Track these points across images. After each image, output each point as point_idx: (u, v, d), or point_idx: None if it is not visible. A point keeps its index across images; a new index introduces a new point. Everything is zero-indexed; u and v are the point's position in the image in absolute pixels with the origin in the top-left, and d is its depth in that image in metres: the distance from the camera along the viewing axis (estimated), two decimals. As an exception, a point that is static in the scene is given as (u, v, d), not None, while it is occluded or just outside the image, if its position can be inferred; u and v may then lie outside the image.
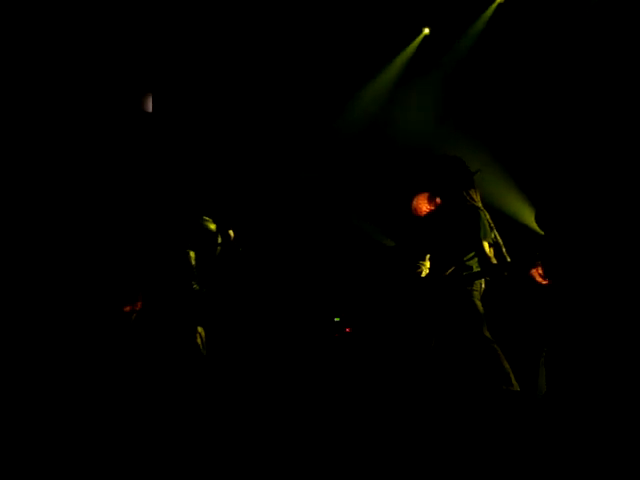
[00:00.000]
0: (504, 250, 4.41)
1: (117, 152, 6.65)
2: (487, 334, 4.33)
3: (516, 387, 4.22)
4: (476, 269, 4.43)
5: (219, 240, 5.32)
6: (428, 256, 4.69)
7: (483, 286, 4.50)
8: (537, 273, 4.38)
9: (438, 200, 4.86)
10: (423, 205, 5.26)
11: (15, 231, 5.36)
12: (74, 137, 6.35)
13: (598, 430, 3.62)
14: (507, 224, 5.60)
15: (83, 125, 6.52)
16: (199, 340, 5.26)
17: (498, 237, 4.45)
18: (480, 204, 4.52)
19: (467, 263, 4.46)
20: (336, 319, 6.46)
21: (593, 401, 4.41)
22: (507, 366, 4.26)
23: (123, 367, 5.20)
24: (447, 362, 4.34)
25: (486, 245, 4.36)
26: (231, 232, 5.34)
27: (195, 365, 5.07)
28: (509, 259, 4.39)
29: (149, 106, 6.95)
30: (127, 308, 5.60)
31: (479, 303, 4.43)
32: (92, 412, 4.33)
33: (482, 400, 4.13)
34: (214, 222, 5.35)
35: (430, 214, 4.90)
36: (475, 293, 4.43)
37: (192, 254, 5.29)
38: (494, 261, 4.35)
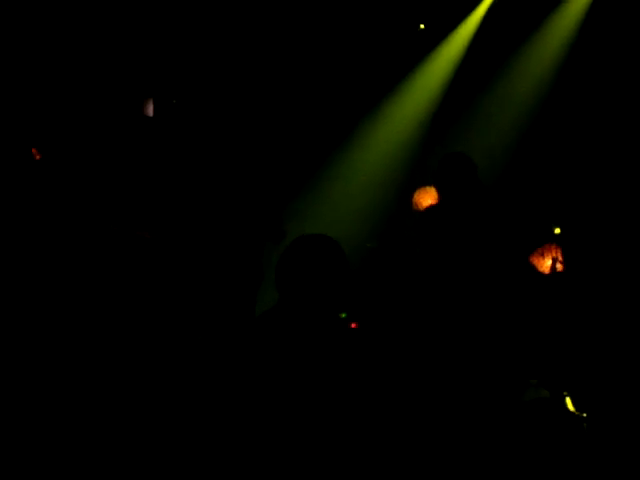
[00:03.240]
0: (509, 243, 4.46)
1: (124, 159, 6.68)
2: (490, 330, 4.39)
3: (522, 389, 4.25)
4: (479, 264, 4.48)
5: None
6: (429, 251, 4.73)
7: (487, 281, 4.55)
8: (540, 263, 4.43)
9: (439, 195, 4.91)
10: (424, 200, 5.30)
11: (37, 241, 5.41)
12: (78, 144, 6.40)
13: (599, 431, 3.66)
14: (510, 217, 5.64)
15: (86, 131, 6.56)
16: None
17: (501, 230, 4.50)
18: (482, 198, 4.58)
19: (469, 258, 4.51)
20: (342, 315, 6.50)
21: (596, 400, 4.42)
22: (512, 365, 4.31)
23: (133, 376, 5.25)
24: (451, 360, 4.38)
25: (489, 239, 4.42)
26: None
27: (202, 373, 5.12)
28: (514, 252, 4.44)
29: (150, 110, 6.98)
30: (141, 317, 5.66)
31: (482, 299, 4.48)
32: (100, 419, 4.38)
33: (486, 400, 4.17)
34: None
35: (431, 209, 4.93)
36: (478, 288, 4.48)
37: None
38: (498, 255, 4.41)
